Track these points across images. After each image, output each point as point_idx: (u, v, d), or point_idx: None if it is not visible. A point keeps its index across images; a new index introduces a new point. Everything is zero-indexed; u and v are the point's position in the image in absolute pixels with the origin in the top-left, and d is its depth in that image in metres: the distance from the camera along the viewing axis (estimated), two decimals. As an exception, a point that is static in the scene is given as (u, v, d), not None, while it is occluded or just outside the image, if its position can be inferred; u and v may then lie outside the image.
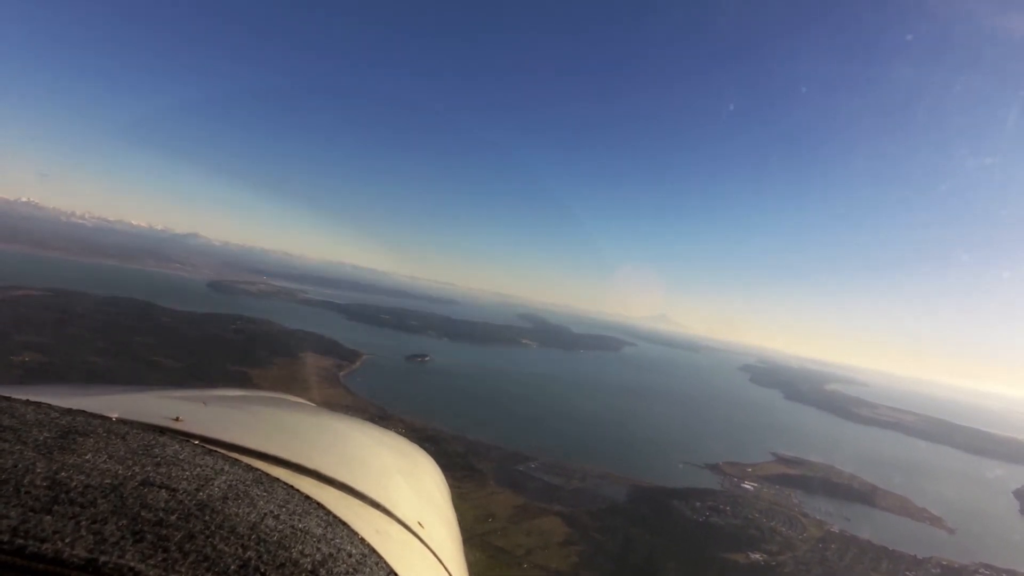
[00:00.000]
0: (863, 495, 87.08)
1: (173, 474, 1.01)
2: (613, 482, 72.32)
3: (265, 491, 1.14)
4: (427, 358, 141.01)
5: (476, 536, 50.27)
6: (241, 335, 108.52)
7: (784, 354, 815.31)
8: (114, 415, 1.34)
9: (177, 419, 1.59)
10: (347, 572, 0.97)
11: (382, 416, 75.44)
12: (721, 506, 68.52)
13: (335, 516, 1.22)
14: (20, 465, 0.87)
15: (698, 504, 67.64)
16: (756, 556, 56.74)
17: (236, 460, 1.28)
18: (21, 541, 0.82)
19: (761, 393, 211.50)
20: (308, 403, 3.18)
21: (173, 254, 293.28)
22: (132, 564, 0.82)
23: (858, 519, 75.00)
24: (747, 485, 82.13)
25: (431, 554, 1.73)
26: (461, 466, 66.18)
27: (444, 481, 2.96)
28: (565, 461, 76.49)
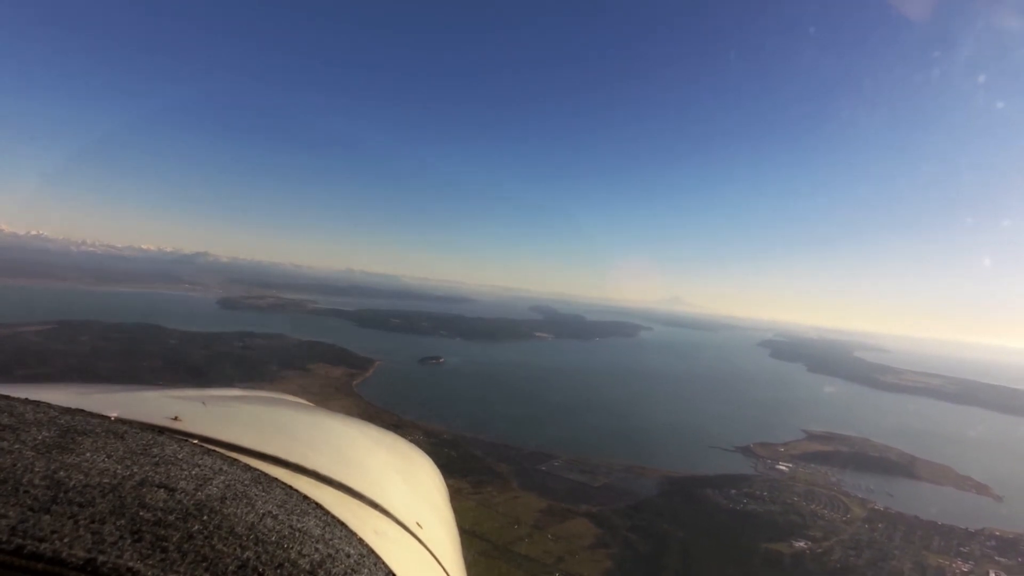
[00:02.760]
0: (902, 467, 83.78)
1: (172, 474, 1.01)
2: (641, 475, 69.41)
3: (263, 491, 1.15)
4: (441, 360, 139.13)
5: (501, 545, 47.72)
6: (250, 351, 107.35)
7: (803, 326, 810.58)
8: (113, 414, 1.34)
9: (176, 419, 1.61)
10: (345, 572, 0.97)
11: (398, 424, 73.16)
12: (757, 492, 65.49)
13: (333, 516, 1.23)
14: (19, 464, 0.87)
15: (733, 492, 64.66)
16: (800, 544, 53.54)
17: (235, 460, 1.29)
18: (20, 540, 0.82)
19: (784, 368, 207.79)
20: (306, 403, 3.11)
21: (182, 275, 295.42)
22: (130, 564, 0.82)
23: (901, 494, 71.69)
24: (781, 466, 78.97)
25: (429, 554, 1.75)
26: (481, 470, 63.75)
27: (442, 481, 2.94)
28: (589, 456, 73.77)
